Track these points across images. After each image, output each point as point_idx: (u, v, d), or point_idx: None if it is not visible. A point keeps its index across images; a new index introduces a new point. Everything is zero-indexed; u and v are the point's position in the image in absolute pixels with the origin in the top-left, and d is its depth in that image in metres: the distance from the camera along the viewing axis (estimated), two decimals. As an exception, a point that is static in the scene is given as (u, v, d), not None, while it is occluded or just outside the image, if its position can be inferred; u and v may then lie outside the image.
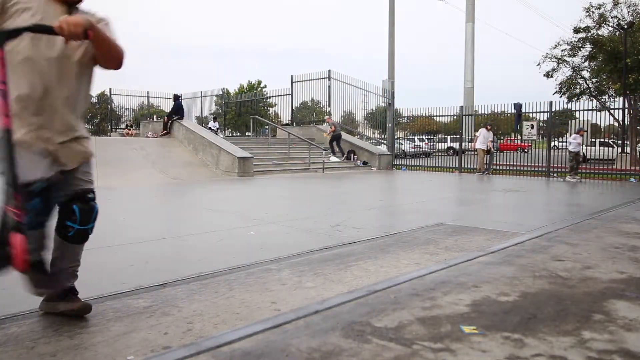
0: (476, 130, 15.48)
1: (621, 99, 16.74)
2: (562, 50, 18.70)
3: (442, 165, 16.56)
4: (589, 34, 17.79)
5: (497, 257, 1.89)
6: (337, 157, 15.62)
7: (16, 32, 1.76)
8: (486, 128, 14.64)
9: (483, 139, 14.38)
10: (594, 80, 19.03)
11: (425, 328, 1.07)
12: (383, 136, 18.11)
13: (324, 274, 3.03)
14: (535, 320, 1.14)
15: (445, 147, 25.30)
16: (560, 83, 19.21)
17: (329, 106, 17.37)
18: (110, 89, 23.55)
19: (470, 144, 15.58)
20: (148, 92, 23.72)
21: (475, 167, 15.01)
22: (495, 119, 26.05)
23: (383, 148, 17.05)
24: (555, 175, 13.08)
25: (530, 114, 15.37)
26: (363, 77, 47.24)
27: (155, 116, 23.10)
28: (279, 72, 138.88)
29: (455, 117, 17.23)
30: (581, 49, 18.36)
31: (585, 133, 14.00)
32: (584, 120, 16.50)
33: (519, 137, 17.86)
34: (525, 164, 14.79)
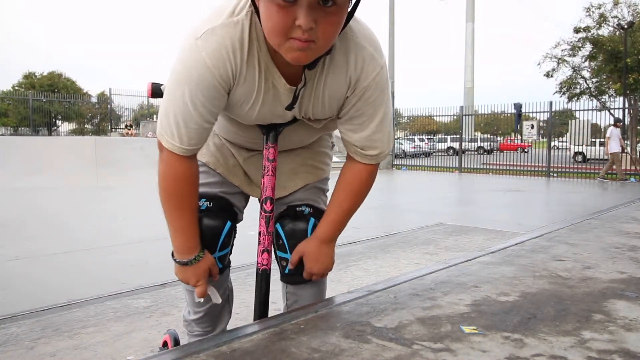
0: (476, 130, 15.40)
1: (621, 98, 16.75)
2: (562, 50, 18.69)
3: (442, 165, 16.56)
4: (589, 33, 17.77)
5: (497, 257, 1.89)
6: (337, 157, 15.61)
7: None
8: (616, 125, 11.93)
9: (617, 139, 11.71)
10: (594, 80, 19.02)
11: (425, 328, 1.07)
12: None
13: (324, 274, 3.02)
14: (535, 320, 1.14)
15: (445, 147, 25.31)
16: (561, 83, 19.20)
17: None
18: (110, 88, 23.57)
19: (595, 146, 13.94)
20: (148, 92, 23.65)
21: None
22: (495, 119, 26.04)
23: (383, 148, 17.00)
24: (554, 175, 13.08)
25: (531, 114, 15.37)
26: (363, 77, 46.92)
27: (155, 116, 23.07)
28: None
29: (455, 117, 17.23)
30: (581, 48, 18.35)
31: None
32: (584, 120, 16.52)
33: (519, 137, 17.85)
34: (525, 164, 14.79)
